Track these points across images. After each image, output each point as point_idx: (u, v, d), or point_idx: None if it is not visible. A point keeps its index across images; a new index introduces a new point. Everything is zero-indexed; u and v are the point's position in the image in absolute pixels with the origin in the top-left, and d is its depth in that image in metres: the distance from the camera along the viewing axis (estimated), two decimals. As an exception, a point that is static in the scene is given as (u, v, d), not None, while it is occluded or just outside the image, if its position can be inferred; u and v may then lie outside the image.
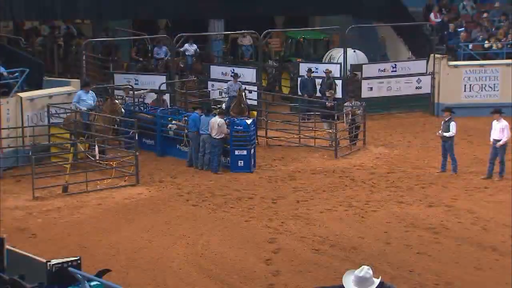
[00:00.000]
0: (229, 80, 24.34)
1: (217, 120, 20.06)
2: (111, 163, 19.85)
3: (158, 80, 24.67)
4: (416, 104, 26.65)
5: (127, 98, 23.71)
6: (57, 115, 21.28)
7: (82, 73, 24.79)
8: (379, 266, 13.51)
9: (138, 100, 23.66)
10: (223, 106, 23.00)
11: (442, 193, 18.18)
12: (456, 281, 13.24)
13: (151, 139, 22.12)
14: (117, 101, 21.19)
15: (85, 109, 20.89)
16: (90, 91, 21.23)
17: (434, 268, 13.81)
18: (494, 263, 14.08)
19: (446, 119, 19.57)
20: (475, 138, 22.62)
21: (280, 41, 31.67)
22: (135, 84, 24.66)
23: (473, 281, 13.27)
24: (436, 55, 26.56)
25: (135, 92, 23.59)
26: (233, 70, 25.48)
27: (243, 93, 22.75)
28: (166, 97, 24.00)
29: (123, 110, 21.22)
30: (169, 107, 23.42)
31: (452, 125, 19.41)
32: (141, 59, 29.03)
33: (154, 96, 23.77)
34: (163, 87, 24.34)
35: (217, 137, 20.04)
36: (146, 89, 24.30)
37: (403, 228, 15.90)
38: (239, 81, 23.91)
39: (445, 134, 19.45)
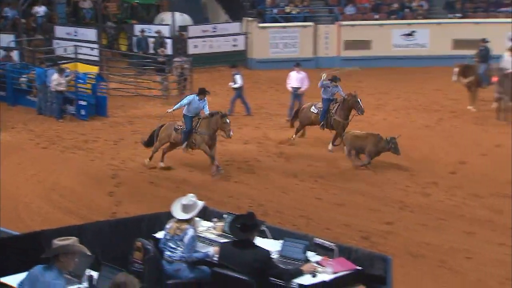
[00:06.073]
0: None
1: (54, 76, 19.36)
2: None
3: (6, 38, 23.52)
4: (233, 59, 26.77)
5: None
6: None
7: None
8: (204, 194, 13.56)
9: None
10: (319, 104, 16.94)
11: (253, 132, 18.55)
12: (267, 203, 13.65)
13: (3, 91, 21.01)
14: None
15: None
16: (205, 99, 15.67)
17: (249, 193, 14.16)
18: (295, 187, 14.64)
19: (233, 73, 20.06)
20: (280, 87, 23.10)
21: (116, 5, 30.76)
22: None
23: (280, 202, 13.75)
24: (248, 18, 26.89)
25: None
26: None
27: (358, 99, 16.26)
28: (14, 53, 22.93)
29: None
30: (18, 62, 22.45)
31: (237, 78, 19.93)
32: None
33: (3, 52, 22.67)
34: (12, 44, 23.21)
35: (54, 90, 19.35)
36: (-5, 47, 22.98)
37: (225, 162, 16.12)
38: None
39: (233, 86, 20.02)
